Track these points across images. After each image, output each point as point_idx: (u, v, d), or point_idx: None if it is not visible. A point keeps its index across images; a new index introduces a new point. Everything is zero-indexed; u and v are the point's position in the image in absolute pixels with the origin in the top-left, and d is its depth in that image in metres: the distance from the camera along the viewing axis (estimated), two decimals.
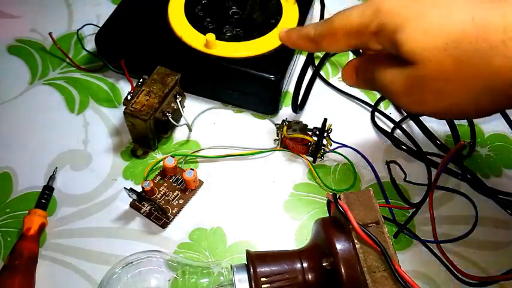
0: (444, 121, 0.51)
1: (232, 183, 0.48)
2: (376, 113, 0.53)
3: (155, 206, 0.45)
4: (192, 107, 0.52)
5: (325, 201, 0.42)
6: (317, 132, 0.47)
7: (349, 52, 0.58)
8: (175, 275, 0.37)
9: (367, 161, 0.48)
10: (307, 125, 0.48)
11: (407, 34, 0.28)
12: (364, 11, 0.31)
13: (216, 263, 0.38)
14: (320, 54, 0.57)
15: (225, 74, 0.50)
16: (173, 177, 0.47)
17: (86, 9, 0.62)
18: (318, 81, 0.56)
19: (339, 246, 0.34)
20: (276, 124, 0.51)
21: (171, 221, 0.45)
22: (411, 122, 0.52)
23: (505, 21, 0.26)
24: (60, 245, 0.43)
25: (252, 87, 0.50)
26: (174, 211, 0.45)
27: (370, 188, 0.37)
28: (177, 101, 0.48)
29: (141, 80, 0.47)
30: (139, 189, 0.45)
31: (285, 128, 0.47)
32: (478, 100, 0.28)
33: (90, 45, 0.57)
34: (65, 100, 0.53)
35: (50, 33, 0.56)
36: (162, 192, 0.46)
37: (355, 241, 0.34)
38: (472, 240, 0.45)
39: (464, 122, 0.53)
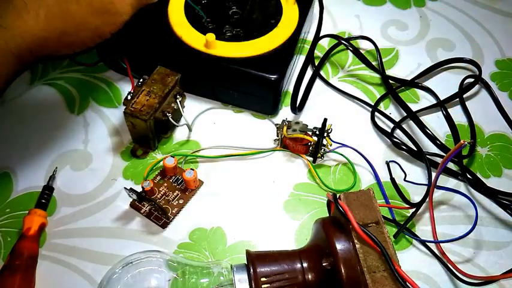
0: (444, 121, 0.51)
1: (232, 183, 0.48)
2: (376, 113, 0.53)
3: (155, 206, 0.45)
4: (192, 107, 0.52)
5: (325, 201, 0.42)
6: (317, 132, 0.47)
7: (349, 52, 0.58)
8: (175, 275, 0.37)
9: (367, 161, 0.48)
10: (307, 125, 0.48)
11: None
12: None
13: (216, 263, 0.38)
14: (320, 54, 0.57)
15: (225, 74, 0.50)
16: (173, 177, 0.47)
17: None
18: (318, 81, 0.56)
19: (339, 246, 0.34)
20: (276, 124, 0.51)
21: (171, 221, 0.45)
22: (411, 122, 0.52)
23: None
24: (60, 245, 0.43)
25: (252, 87, 0.50)
26: (174, 211, 0.45)
27: (370, 188, 0.37)
28: (177, 101, 0.48)
29: (141, 80, 0.47)
30: (139, 189, 0.45)
31: (285, 128, 0.47)
32: None
33: None
34: (65, 100, 0.53)
35: None
36: (162, 192, 0.46)
37: (355, 241, 0.34)
38: (472, 240, 0.45)
39: (464, 122, 0.53)
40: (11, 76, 0.40)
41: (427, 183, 0.47)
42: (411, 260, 0.44)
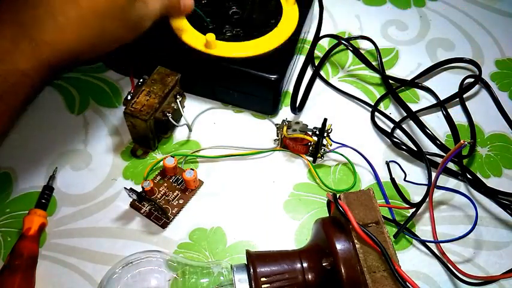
0: (444, 121, 0.51)
1: (232, 183, 0.48)
2: (376, 113, 0.53)
3: (155, 206, 0.45)
4: (192, 107, 0.52)
5: (325, 201, 0.42)
6: (317, 132, 0.47)
7: (349, 52, 0.58)
8: (175, 275, 0.37)
9: (367, 161, 0.48)
10: (307, 125, 0.48)
11: None
12: None
13: (216, 263, 0.38)
14: (320, 54, 0.58)
15: (225, 74, 0.50)
16: (173, 177, 0.47)
17: None
18: (318, 81, 0.56)
19: (339, 246, 0.34)
20: (276, 124, 0.51)
21: (171, 221, 0.45)
22: (411, 122, 0.52)
23: None
24: (60, 245, 0.43)
25: (252, 87, 0.50)
26: (174, 211, 0.45)
27: (370, 188, 0.37)
28: (177, 101, 0.48)
29: (141, 80, 0.47)
30: (139, 189, 0.45)
31: (285, 128, 0.47)
32: None
33: None
34: (65, 100, 0.53)
35: None
36: (162, 192, 0.46)
37: (355, 241, 0.34)
38: (472, 240, 0.45)
39: (464, 122, 0.53)
40: (45, 83, 0.47)
41: (427, 183, 0.47)
42: (411, 260, 0.44)
